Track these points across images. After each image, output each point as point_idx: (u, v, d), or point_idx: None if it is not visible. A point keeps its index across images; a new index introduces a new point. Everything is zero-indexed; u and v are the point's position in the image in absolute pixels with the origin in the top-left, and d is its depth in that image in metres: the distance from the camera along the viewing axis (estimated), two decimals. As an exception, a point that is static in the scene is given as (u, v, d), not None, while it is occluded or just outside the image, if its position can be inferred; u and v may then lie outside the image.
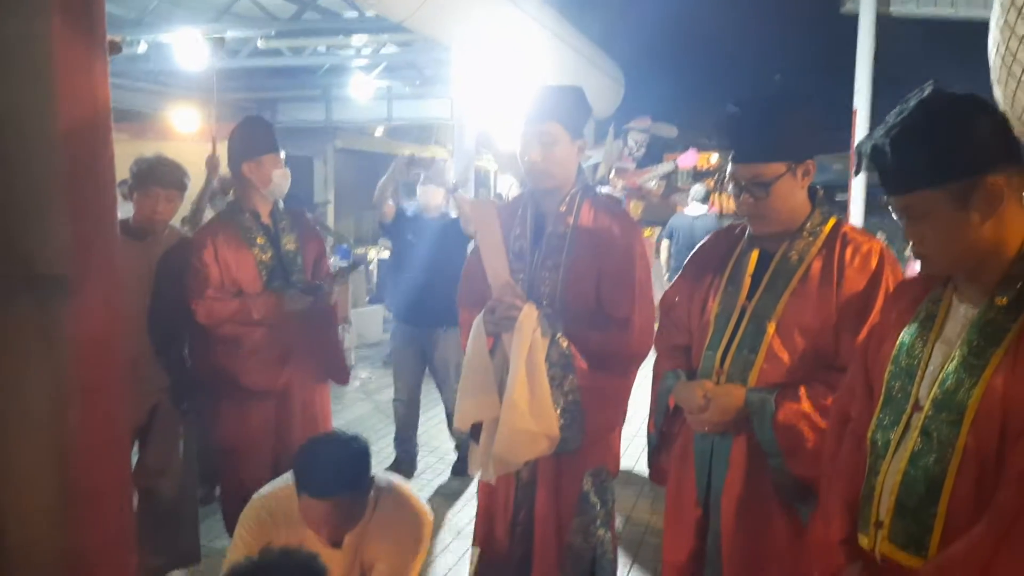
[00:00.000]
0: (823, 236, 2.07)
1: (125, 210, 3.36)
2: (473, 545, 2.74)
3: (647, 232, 9.17)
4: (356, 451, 2.32)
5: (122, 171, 3.19)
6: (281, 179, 3.27)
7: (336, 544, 2.32)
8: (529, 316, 2.38)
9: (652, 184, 9.72)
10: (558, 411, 2.41)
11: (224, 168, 4.00)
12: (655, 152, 10.22)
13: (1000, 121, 1.40)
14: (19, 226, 1.58)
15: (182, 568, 3.45)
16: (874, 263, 2.00)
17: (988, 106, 1.43)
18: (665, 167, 9.86)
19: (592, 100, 2.59)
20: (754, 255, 2.14)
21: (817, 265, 2.04)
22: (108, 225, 1.62)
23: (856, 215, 7.65)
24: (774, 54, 15.59)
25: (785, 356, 2.02)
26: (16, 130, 1.55)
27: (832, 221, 2.10)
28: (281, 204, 3.42)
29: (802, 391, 1.97)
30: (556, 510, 2.53)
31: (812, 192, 2.11)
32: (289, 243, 3.33)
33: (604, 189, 7.96)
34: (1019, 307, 1.38)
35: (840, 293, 1.99)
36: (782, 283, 2.05)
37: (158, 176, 3.16)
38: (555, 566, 2.52)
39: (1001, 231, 1.40)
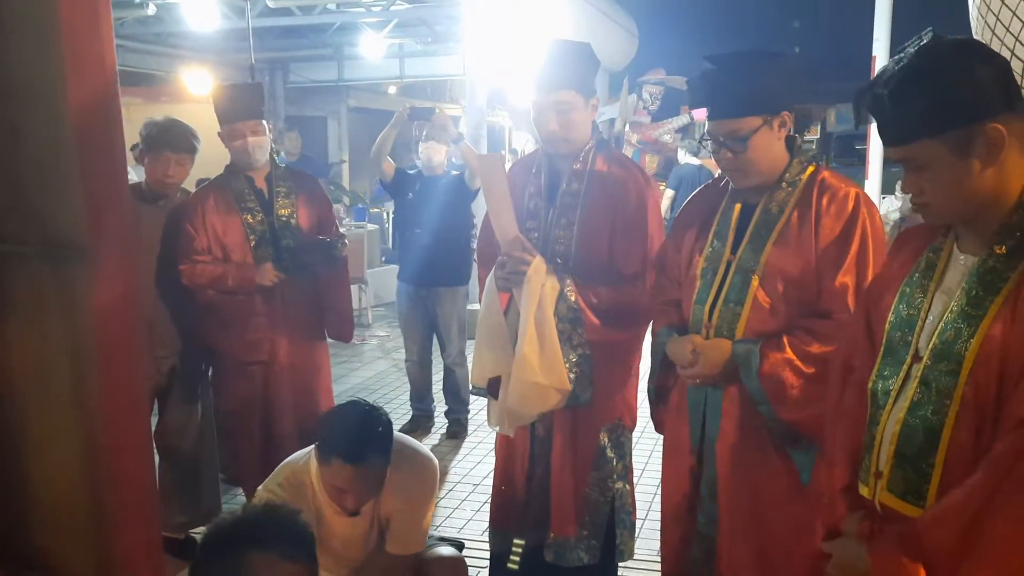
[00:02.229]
0: (802, 185, 2.09)
1: (139, 174, 3.39)
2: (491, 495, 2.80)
3: (661, 186, 9.10)
4: (383, 418, 2.35)
5: (135, 135, 3.22)
6: (240, 150, 3.20)
7: (354, 514, 2.36)
8: (538, 270, 2.39)
9: (667, 138, 9.63)
10: (568, 365, 2.43)
11: None
12: (670, 105, 10.09)
13: (1000, 66, 1.37)
14: (33, 193, 1.60)
15: (204, 526, 3.54)
16: (850, 207, 2.03)
17: (988, 52, 1.40)
18: (680, 120, 9.75)
19: (606, 53, 2.58)
20: (737, 208, 2.17)
21: (796, 214, 2.07)
22: (120, 189, 1.64)
23: (875, 165, 7.56)
24: (791, 1, 15.29)
25: (770, 306, 2.06)
26: (26, 97, 1.57)
27: (810, 169, 2.12)
28: (281, 167, 3.39)
29: (785, 340, 2.03)
30: (572, 464, 2.56)
31: (791, 142, 2.13)
32: (283, 208, 3.29)
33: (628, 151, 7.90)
34: (1018, 256, 1.37)
35: (818, 240, 2.03)
36: (764, 235, 2.09)
37: (168, 139, 3.17)
38: (572, 519, 2.56)
39: (1002, 179, 1.38)
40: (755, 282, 2.07)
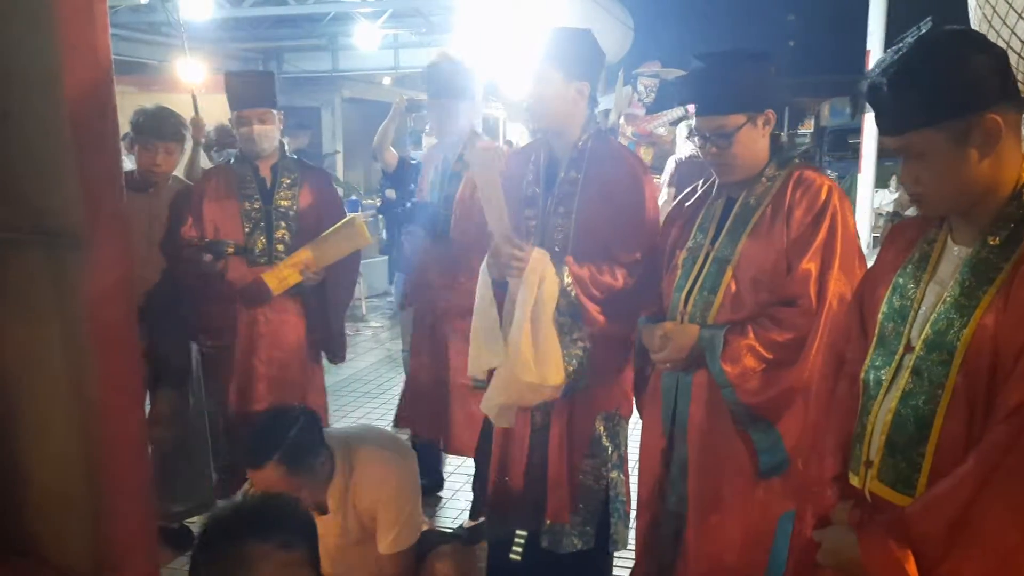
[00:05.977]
0: (780, 180, 2.17)
1: (132, 162, 3.38)
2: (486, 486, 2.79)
3: (656, 179, 9.09)
4: (282, 418, 2.33)
5: (128, 123, 3.21)
6: (246, 137, 3.22)
7: (320, 511, 2.36)
8: (535, 266, 2.37)
9: (662, 130, 9.61)
10: (567, 359, 2.43)
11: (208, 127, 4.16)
12: (665, 98, 10.06)
13: (998, 57, 1.37)
14: (27, 180, 1.60)
15: (198, 516, 3.53)
16: (822, 198, 2.11)
17: (986, 42, 1.40)
18: (675, 113, 9.72)
19: (601, 45, 2.58)
20: (721, 202, 2.26)
21: (771, 207, 2.15)
22: (115, 176, 1.64)
23: (868, 159, 7.57)
24: (787, -6, 15.27)
25: (742, 296, 2.15)
26: (20, 84, 1.56)
27: (791, 167, 2.20)
28: (289, 158, 3.38)
29: (749, 326, 2.10)
30: (568, 452, 2.57)
31: (775, 139, 2.21)
32: (284, 199, 3.27)
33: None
34: (1011, 247, 1.37)
35: (789, 230, 2.11)
36: (741, 227, 2.18)
37: (156, 128, 3.16)
38: (567, 507, 2.57)
39: (997, 170, 1.39)
40: (729, 272, 2.16)
